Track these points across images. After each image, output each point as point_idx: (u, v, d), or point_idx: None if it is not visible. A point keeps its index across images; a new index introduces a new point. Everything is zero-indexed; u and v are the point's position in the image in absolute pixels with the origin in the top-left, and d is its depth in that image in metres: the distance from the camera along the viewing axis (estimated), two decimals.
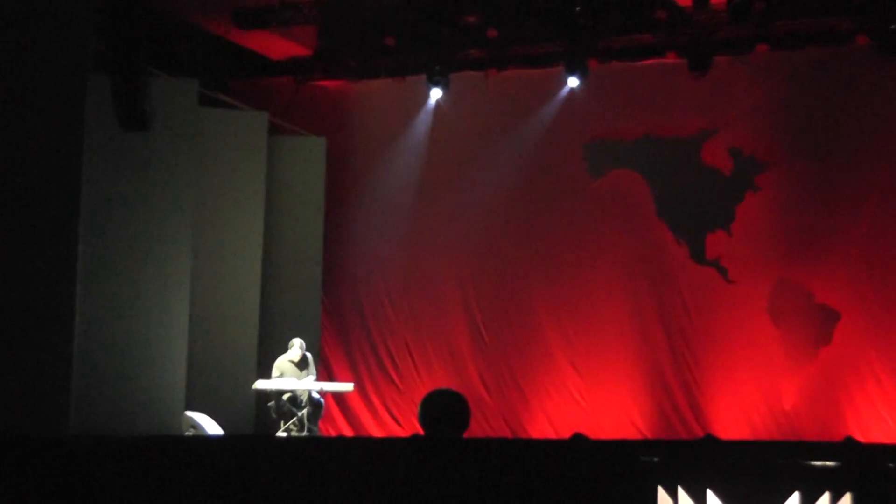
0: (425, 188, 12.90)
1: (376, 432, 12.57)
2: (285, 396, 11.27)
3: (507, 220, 12.56)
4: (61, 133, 8.08)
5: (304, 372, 11.45)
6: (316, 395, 11.35)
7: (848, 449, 4.05)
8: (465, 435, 4.36)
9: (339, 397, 12.61)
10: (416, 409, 4.43)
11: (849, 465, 3.57)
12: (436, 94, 12.64)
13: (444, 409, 4.35)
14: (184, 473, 3.84)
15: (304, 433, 11.02)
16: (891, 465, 3.54)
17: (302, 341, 11.46)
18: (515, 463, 3.69)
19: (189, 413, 10.52)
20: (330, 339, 13.02)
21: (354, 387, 11.95)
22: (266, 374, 11.42)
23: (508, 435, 11.96)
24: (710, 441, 4.14)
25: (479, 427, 11.85)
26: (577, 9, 10.99)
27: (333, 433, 12.57)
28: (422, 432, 4.35)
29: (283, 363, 11.44)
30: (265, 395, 11.38)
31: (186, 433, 10.25)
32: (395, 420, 12.68)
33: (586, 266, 12.15)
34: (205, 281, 11.17)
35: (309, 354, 11.56)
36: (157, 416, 10.13)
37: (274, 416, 11.28)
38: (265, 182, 11.94)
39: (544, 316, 12.25)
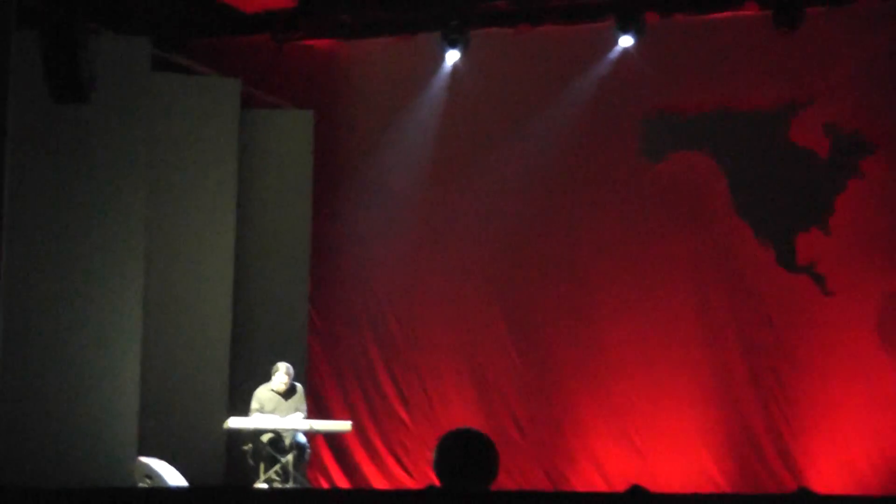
0: (438, 174, 12.94)
1: (379, 483, 12.63)
2: (265, 437, 11.27)
3: (542, 215, 12.57)
4: None
5: (291, 405, 11.40)
6: (300, 437, 11.29)
7: None
8: (493, 487, 4.35)
9: (332, 439, 12.59)
10: (431, 455, 4.44)
11: None
12: (452, 56, 12.65)
13: (465, 455, 4.35)
14: None
15: (290, 484, 11.01)
16: None
17: (289, 366, 11.49)
18: None
19: (143, 459, 10.56)
20: (320, 366, 13.04)
21: (352, 426, 11.91)
22: (240, 409, 11.36)
23: (547, 487, 11.99)
24: (805, 496, 4.03)
25: (510, 477, 11.87)
26: None
27: (325, 484, 12.56)
28: (437, 483, 4.34)
29: (264, 394, 11.45)
30: (239, 437, 11.35)
31: (140, 484, 10.29)
32: (403, 468, 12.72)
33: (645, 274, 12.14)
34: (162, 290, 11.21)
35: (299, 385, 11.53)
36: (103, 462, 10.20)
37: (251, 462, 11.35)
38: (238, 166, 11.99)
39: (591, 336, 12.24)
